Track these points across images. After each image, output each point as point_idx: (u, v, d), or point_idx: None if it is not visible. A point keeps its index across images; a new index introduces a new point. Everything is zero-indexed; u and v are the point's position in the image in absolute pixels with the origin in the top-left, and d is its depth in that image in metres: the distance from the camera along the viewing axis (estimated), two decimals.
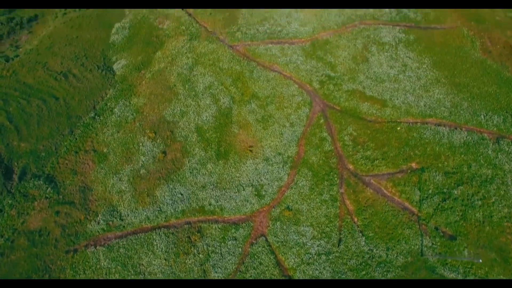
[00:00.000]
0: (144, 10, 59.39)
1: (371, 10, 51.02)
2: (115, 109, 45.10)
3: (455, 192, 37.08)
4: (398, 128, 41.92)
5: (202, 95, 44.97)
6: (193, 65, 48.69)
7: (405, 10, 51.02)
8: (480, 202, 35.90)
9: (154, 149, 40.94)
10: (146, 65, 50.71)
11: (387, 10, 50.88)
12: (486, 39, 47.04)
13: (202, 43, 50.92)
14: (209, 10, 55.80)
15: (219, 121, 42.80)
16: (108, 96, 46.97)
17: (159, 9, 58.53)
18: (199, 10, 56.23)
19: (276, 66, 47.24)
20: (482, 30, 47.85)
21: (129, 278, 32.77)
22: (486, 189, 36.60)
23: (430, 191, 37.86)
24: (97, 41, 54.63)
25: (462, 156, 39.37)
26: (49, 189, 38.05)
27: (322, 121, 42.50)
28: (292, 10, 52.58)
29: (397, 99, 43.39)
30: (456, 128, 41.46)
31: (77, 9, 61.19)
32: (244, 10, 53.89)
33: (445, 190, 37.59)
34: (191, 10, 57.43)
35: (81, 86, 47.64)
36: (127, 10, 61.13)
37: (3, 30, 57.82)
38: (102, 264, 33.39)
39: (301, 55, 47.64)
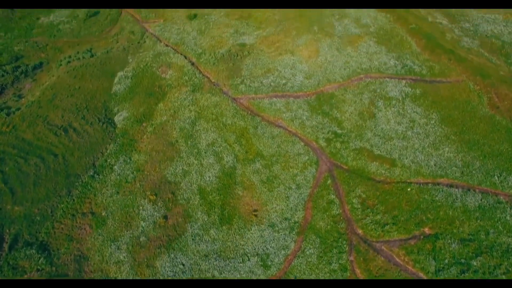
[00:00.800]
0: (147, 58, 59.60)
1: (376, 63, 50.83)
2: (115, 167, 43.70)
3: (475, 264, 34.83)
4: (409, 189, 40.26)
5: (205, 153, 43.72)
6: (195, 119, 47.82)
7: (410, 63, 50.80)
8: (504, 277, 33.60)
9: (155, 213, 39.13)
10: (148, 117, 49.88)
11: (392, 63, 50.68)
12: (493, 95, 46.38)
13: (205, 95, 50.34)
14: (212, 59, 55.82)
15: (222, 182, 41.26)
16: (108, 151, 45.71)
17: (162, 57, 58.72)
18: (202, 59, 56.24)
19: (281, 122, 46.31)
20: (488, 85, 47.30)
21: None
22: (509, 261, 34.39)
23: (447, 261, 35.62)
24: (99, 91, 54.17)
25: (478, 221, 37.43)
26: (41, 259, 35.85)
27: (329, 182, 40.95)
28: (297, 61, 52.48)
29: (406, 158, 42.05)
30: (469, 190, 39.78)
31: (80, 57, 61.55)
32: (248, 61, 53.86)
33: (462, 261, 35.35)
34: (194, 59, 57.51)
35: (81, 141, 46.51)
36: (130, 57, 61.36)
37: (7, 79, 57.71)
38: None
39: (307, 110, 46.84)
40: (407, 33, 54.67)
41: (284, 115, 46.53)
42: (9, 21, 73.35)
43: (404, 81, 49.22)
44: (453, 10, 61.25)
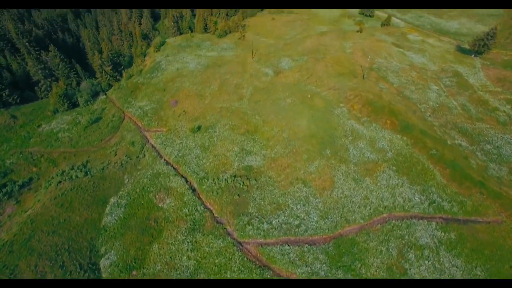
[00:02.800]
0: (145, 179, 54.70)
1: (399, 199, 45.32)
2: None
3: None
4: None
5: None
6: (194, 270, 40.38)
7: (437, 199, 45.27)
8: None
9: None
10: (139, 262, 42.53)
11: (417, 199, 45.17)
12: None
13: (207, 237, 43.67)
14: (215, 187, 50.61)
15: None
16: None
17: (160, 179, 53.77)
18: (204, 186, 51.07)
19: (295, 277, 38.73)
20: None
21: None
22: None
23: None
24: (87, 225, 47.77)
25: None
26: None
27: None
28: (310, 194, 47.04)
29: None
30: None
31: (73, 176, 56.86)
32: (255, 192, 48.49)
33: None
34: (195, 184, 52.35)
35: None
36: (126, 177, 56.56)
37: None
38: None
39: (325, 262, 39.65)
40: (428, 160, 50.39)
41: (298, 269, 39.15)
42: (9, 131, 70.94)
43: (434, 222, 42.97)
44: (470, 129, 58.39)
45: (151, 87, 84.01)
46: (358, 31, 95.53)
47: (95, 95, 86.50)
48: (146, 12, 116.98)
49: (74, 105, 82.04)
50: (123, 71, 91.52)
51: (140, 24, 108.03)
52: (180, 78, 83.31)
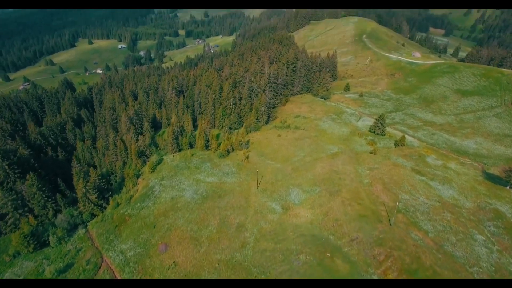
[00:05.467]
0: None
1: None
2: None
3: None
4: None
5: None
6: None
7: None
8: None
9: None
10: None
11: None
12: None
13: None
14: None
15: None
16: None
17: None
18: None
19: None
20: None
21: None
22: None
23: None
24: None
25: None
26: None
27: None
28: None
29: None
30: None
31: None
32: None
33: None
34: None
35: None
36: None
37: None
38: None
39: None
40: None
41: None
42: None
43: None
44: None
45: (140, 221, 71.96)
46: (371, 153, 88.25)
47: (73, 228, 73.88)
48: (146, 124, 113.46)
49: (43, 244, 68.69)
50: (110, 198, 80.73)
51: (137, 140, 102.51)
52: (174, 212, 71.84)
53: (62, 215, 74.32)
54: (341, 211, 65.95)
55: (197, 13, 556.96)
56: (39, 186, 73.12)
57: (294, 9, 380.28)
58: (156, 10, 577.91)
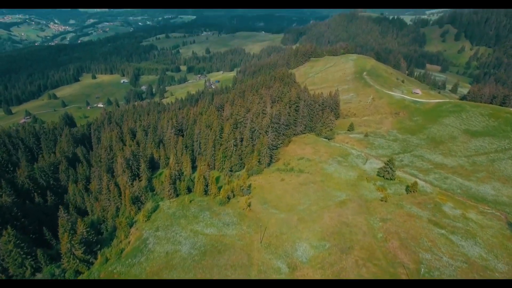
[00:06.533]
0: None
1: None
2: None
3: None
4: None
5: None
6: None
7: None
8: None
9: None
10: None
11: None
12: None
13: None
14: None
15: None
16: None
17: None
18: None
19: None
20: None
21: None
22: None
23: None
24: None
25: None
26: None
27: None
28: None
29: None
30: None
31: None
32: None
33: None
34: None
35: None
36: None
37: None
38: None
39: None
40: None
41: None
42: None
43: None
44: None
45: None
46: (382, 200, 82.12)
47: None
48: (143, 165, 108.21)
49: None
50: (98, 252, 73.15)
51: (132, 184, 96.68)
52: (168, 272, 64.17)
53: (41, 274, 66.52)
54: (355, 273, 58.57)
55: (199, 50, 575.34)
56: (17, 242, 65.88)
57: (293, 47, 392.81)
58: (159, 47, 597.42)
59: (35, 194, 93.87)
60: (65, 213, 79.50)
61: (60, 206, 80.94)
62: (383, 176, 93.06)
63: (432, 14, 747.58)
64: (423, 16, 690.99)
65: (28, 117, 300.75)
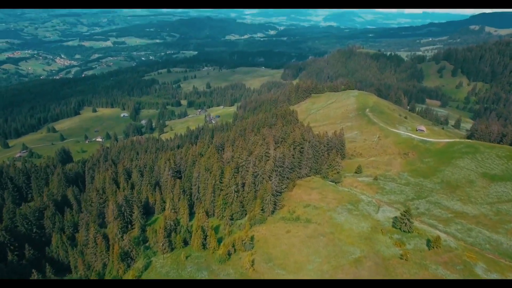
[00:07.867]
0: None
1: None
2: None
3: None
4: None
5: None
6: None
7: None
8: None
9: None
10: None
11: None
12: None
13: None
14: None
15: None
16: None
17: None
18: None
19: None
20: None
21: None
22: None
23: None
24: None
25: None
26: None
27: None
28: None
29: None
30: None
31: None
32: None
33: None
34: None
35: None
36: None
37: None
38: None
39: None
40: None
41: None
42: None
43: None
44: None
45: None
46: (401, 258, 72.79)
47: None
48: (136, 212, 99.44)
49: None
50: None
51: (122, 237, 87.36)
52: None
53: None
54: None
55: (200, 84, 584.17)
56: None
57: (294, 82, 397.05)
58: (160, 81, 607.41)
59: (11, 248, 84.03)
60: (40, 275, 69.56)
61: (33, 270, 71.03)
62: (400, 228, 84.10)
63: (427, 50, 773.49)
64: (418, 53, 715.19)
65: (25, 151, 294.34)
